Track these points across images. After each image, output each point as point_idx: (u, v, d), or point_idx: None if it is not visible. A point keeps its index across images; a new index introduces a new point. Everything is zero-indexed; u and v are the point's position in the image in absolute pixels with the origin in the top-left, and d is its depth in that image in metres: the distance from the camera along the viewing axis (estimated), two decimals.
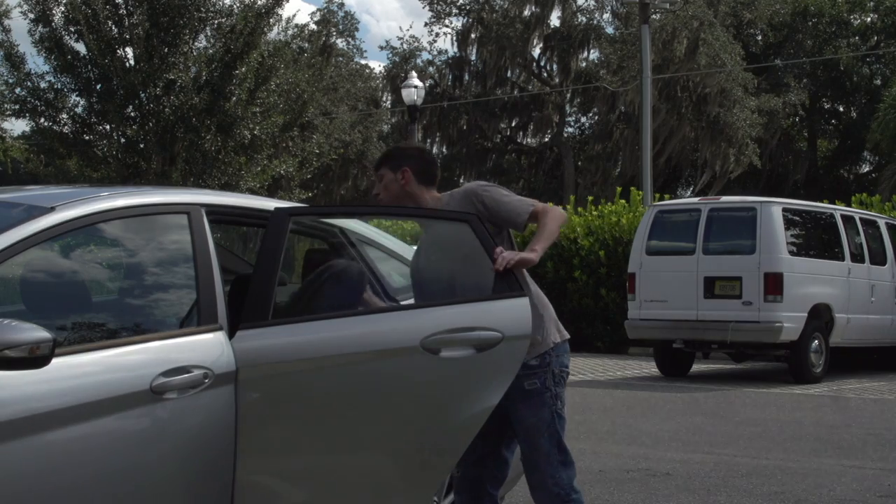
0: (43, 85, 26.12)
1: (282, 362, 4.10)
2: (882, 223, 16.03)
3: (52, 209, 3.94)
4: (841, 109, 43.93)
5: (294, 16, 48.48)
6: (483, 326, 4.18)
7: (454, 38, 43.05)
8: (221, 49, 25.40)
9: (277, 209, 4.30)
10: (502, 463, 4.57)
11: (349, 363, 4.15)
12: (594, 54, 42.21)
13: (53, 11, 25.60)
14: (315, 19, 45.27)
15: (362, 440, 4.20)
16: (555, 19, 41.87)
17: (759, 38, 42.61)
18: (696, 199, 16.78)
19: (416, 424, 4.24)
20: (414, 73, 28.52)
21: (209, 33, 26.36)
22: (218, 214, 4.44)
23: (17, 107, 26.47)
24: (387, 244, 5.09)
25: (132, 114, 26.00)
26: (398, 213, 5.02)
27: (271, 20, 26.36)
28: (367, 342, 4.14)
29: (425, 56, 44.32)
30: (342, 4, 46.37)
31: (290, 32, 31.36)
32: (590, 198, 22.52)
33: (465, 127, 42.83)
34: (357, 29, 51.72)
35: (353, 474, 4.24)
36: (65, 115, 26.34)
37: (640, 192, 21.59)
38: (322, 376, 4.14)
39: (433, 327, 4.14)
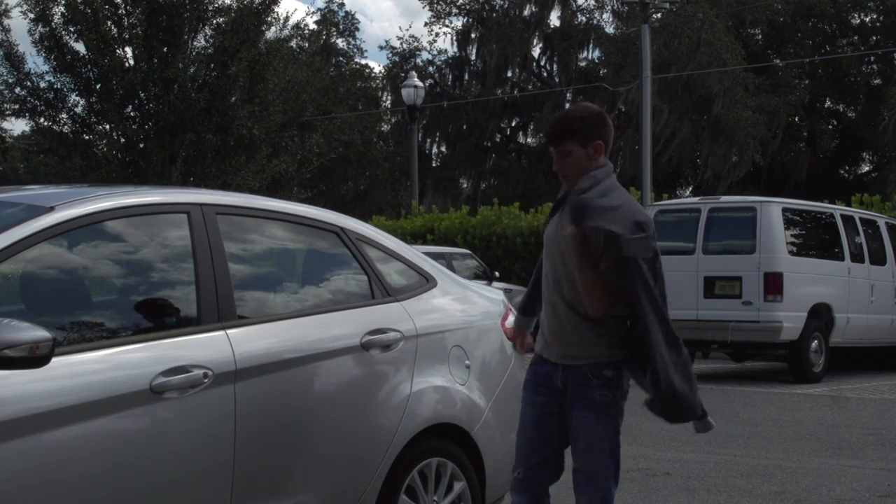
0: (43, 85, 26.14)
1: (269, 362, 4.24)
2: (882, 223, 16.02)
3: (51, 209, 3.93)
4: (841, 109, 43.91)
5: (290, 14, 48.30)
6: (390, 328, 4.67)
7: (454, 38, 43.11)
8: (218, 48, 25.40)
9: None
10: (561, 461, 4.48)
11: (313, 361, 4.42)
12: (594, 54, 42.25)
13: (53, 11, 25.60)
14: (315, 19, 45.31)
15: (325, 429, 4.45)
16: (555, 19, 41.93)
17: (759, 38, 42.59)
18: (695, 199, 16.78)
19: (360, 411, 4.55)
20: (414, 73, 28.51)
21: (208, 33, 26.38)
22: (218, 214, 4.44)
23: (16, 106, 26.49)
24: (387, 244, 5.10)
25: (132, 113, 26.02)
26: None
27: (268, 19, 26.37)
28: (327, 343, 4.50)
29: (425, 56, 44.36)
30: (342, 4, 46.28)
31: (284, 32, 31.40)
32: None
33: (465, 127, 42.82)
34: (357, 29, 51.73)
35: (319, 461, 4.42)
36: (65, 115, 26.35)
37: (639, 192, 21.55)
38: (293, 372, 4.33)
39: (365, 328, 4.63)
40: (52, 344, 3.53)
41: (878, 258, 15.60)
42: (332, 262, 4.97)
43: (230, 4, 26.23)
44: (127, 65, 25.38)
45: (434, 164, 43.77)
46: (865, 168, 45.09)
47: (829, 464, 8.19)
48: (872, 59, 40.32)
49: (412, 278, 5.06)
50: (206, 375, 3.99)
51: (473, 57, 43.06)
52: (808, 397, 12.70)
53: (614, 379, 4.22)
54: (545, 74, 43.67)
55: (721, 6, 36.97)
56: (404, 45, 44.37)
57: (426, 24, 46.12)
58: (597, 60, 42.10)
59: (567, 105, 43.39)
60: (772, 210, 14.03)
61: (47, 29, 25.49)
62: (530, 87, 43.14)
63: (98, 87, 25.70)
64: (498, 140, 44.43)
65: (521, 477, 4.40)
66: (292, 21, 53.11)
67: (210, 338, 4.10)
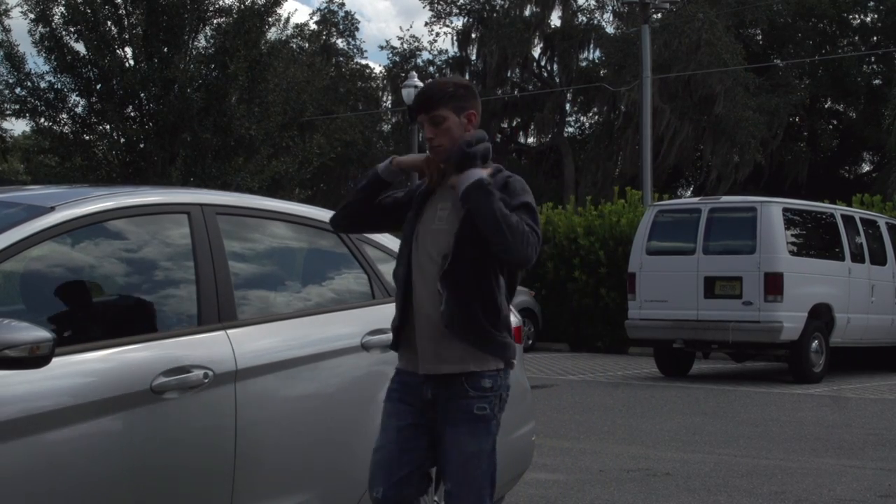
0: (43, 85, 26.12)
1: (270, 362, 4.24)
2: (882, 223, 16.02)
3: (52, 209, 3.94)
4: (841, 109, 43.89)
5: (290, 14, 48.25)
6: (390, 328, 4.54)
7: (454, 38, 43.09)
8: (219, 48, 25.40)
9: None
10: (426, 478, 3.94)
11: (314, 361, 4.43)
12: (595, 54, 42.26)
13: (53, 11, 25.60)
14: (315, 19, 45.32)
15: (325, 429, 4.45)
16: (555, 19, 41.92)
17: (760, 38, 42.58)
18: (696, 199, 16.78)
19: (361, 411, 4.56)
20: (414, 73, 28.51)
21: (208, 33, 26.38)
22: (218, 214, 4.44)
23: (17, 107, 26.48)
24: (387, 244, 5.10)
25: (132, 114, 26.02)
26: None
27: (270, 19, 26.35)
28: (328, 343, 4.51)
29: (426, 56, 44.36)
30: (342, 4, 46.28)
31: (286, 32, 31.40)
32: (588, 197, 22.48)
33: None
34: (357, 29, 51.79)
35: (319, 461, 4.41)
36: (65, 116, 26.34)
37: (638, 192, 21.55)
38: (293, 372, 4.34)
39: (365, 327, 4.64)
40: (53, 344, 3.53)
41: (879, 258, 15.60)
42: (332, 261, 4.97)
43: (231, 5, 26.24)
44: (127, 65, 25.38)
45: None
46: (866, 168, 45.09)
47: (829, 464, 8.19)
48: (873, 59, 40.31)
49: None
50: (206, 375, 3.99)
51: (474, 57, 43.06)
52: (809, 397, 12.70)
53: (493, 390, 3.81)
54: (545, 74, 43.66)
55: (721, 6, 36.96)
56: (405, 45, 44.40)
57: (426, 24, 46.19)
58: (597, 60, 42.10)
59: (567, 105, 43.46)
60: (772, 210, 14.03)
61: (47, 29, 25.47)
62: (531, 87, 43.13)
63: (98, 87, 25.69)
64: (498, 140, 44.39)
65: (380, 497, 3.81)
66: (293, 22, 53.09)
67: (211, 338, 4.11)
